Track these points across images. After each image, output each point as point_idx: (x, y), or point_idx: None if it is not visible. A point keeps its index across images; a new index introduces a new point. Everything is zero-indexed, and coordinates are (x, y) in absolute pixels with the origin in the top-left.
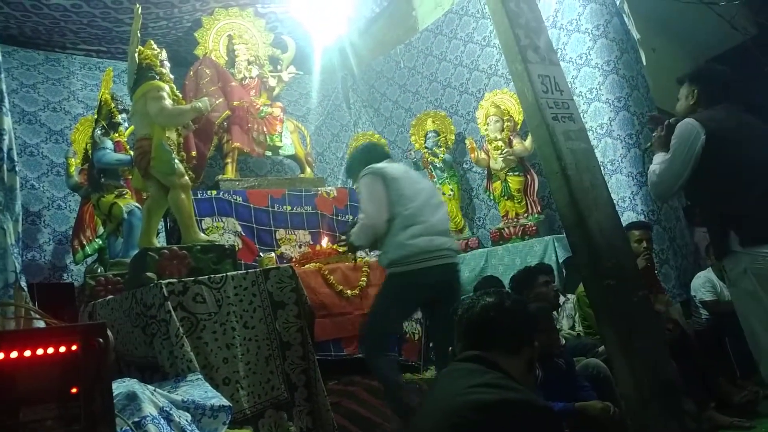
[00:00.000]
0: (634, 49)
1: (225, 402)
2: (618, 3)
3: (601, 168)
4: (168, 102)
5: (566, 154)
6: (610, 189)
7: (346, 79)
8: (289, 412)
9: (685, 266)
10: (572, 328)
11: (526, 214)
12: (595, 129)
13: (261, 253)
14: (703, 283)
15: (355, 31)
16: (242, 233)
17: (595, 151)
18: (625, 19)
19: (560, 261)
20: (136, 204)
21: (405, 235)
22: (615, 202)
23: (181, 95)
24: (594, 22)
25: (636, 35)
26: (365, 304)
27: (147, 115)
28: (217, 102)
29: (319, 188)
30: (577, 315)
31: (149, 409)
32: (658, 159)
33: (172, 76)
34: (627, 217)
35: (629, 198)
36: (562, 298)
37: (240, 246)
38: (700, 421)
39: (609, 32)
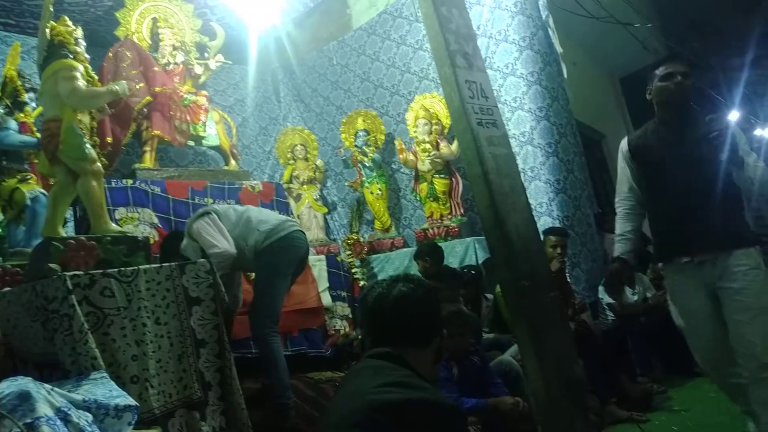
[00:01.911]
0: (556, 62)
1: (131, 401)
2: (543, 17)
3: (521, 174)
4: (81, 83)
5: (488, 159)
6: (528, 195)
7: (277, 71)
8: (201, 412)
9: (594, 270)
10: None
11: (450, 216)
12: (518, 137)
13: None
14: None
15: (289, 23)
16: (159, 225)
17: (517, 157)
18: (550, 33)
19: (480, 262)
20: (42, 190)
21: (254, 224)
22: (533, 207)
23: (97, 77)
24: (521, 33)
25: (559, 49)
26: (289, 302)
27: (57, 95)
28: (138, 87)
29: (244, 182)
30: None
31: (44, 410)
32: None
33: (87, 56)
34: (543, 222)
35: (546, 204)
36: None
37: (156, 238)
38: (601, 416)
39: (534, 44)
